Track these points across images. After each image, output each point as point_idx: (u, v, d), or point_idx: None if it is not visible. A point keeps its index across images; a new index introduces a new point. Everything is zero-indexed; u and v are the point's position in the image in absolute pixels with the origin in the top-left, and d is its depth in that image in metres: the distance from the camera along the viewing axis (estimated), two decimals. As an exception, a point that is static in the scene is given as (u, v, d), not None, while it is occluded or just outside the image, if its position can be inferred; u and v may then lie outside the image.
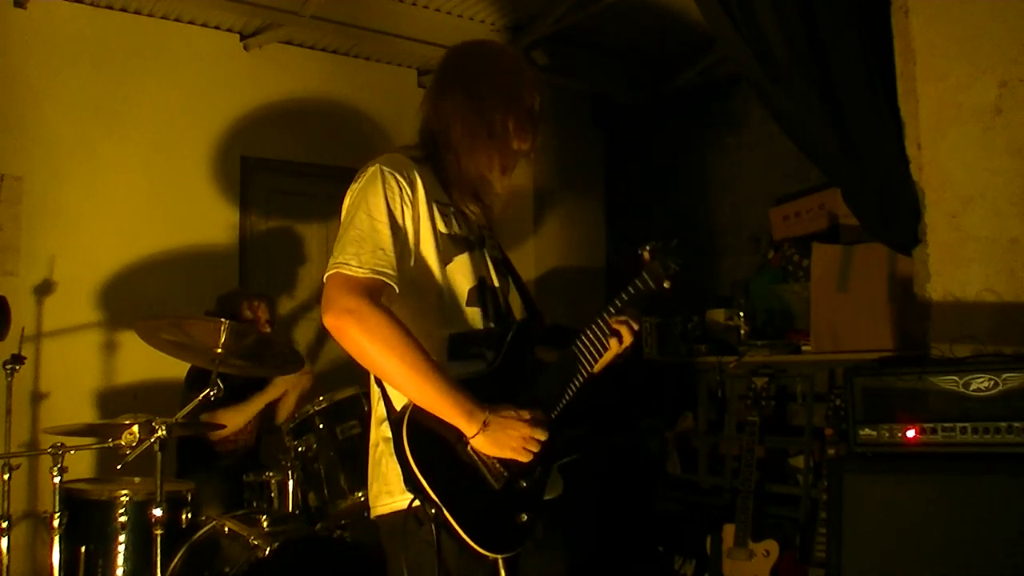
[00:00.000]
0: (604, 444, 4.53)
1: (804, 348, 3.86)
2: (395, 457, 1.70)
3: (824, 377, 3.87)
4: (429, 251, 1.78)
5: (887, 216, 2.90)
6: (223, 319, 2.78)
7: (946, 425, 2.24)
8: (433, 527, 1.64)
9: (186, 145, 4.43)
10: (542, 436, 1.73)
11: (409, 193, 1.75)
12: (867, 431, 2.35)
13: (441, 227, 1.80)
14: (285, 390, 3.51)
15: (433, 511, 1.63)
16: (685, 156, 5.27)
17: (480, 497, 1.70)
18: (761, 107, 3.17)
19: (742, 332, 4.21)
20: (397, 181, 1.75)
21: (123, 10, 4.31)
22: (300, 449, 2.93)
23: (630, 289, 1.93)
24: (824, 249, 3.74)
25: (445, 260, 1.80)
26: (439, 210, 1.81)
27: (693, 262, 5.39)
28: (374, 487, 1.80)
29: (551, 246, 5.36)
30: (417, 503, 1.66)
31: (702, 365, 4.33)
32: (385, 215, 1.71)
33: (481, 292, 1.85)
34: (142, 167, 4.29)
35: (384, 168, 1.76)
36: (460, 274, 1.83)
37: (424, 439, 1.67)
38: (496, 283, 1.92)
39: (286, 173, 4.75)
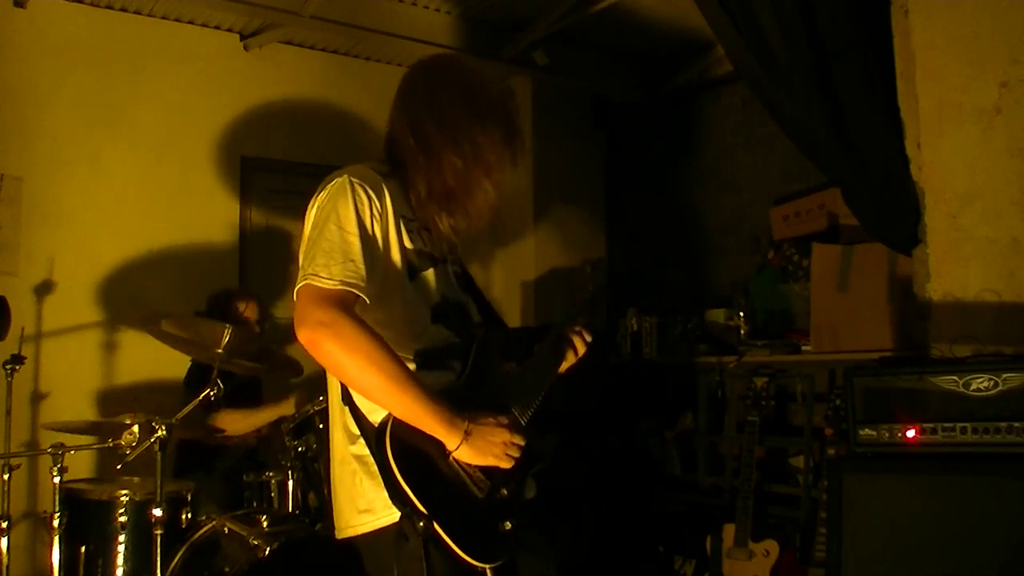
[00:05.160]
0: (604, 444, 4.53)
1: (804, 348, 3.86)
2: (372, 473, 1.68)
3: (824, 377, 3.87)
4: (396, 265, 1.77)
5: (887, 216, 2.90)
6: (227, 324, 2.78)
7: (946, 425, 2.24)
8: (421, 541, 1.61)
9: (186, 145, 4.43)
10: (521, 441, 1.73)
11: (378, 205, 1.73)
12: (867, 431, 2.36)
13: (407, 242, 1.78)
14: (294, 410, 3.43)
15: (421, 524, 1.61)
16: (685, 156, 5.27)
17: (466, 508, 1.70)
18: (761, 107, 3.17)
19: (742, 332, 4.21)
20: (366, 192, 1.72)
21: (123, 10, 4.30)
22: (300, 449, 2.93)
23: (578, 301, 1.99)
24: (824, 249, 3.74)
25: (411, 275, 1.79)
26: (405, 225, 1.78)
27: (693, 262, 5.42)
28: (346, 507, 1.76)
29: (551, 245, 5.35)
30: (403, 518, 1.63)
31: (702, 365, 4.33)
32: (355, 225, 1.68)
33: (445, 308, 1.85)
34: (142, 167, 4.29)
35: (353, 179, 1.73)
36: (425, 289, 1.81)
37: (408, 452, 1.65)
38: (459, 299, 1.92)
39: (286, 173, 4.75)
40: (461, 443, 1.67)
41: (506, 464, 1.72)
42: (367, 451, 1.71)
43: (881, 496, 2.26)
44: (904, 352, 3.24)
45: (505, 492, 1.75)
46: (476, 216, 1.85)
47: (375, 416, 1.70)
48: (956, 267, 2.73)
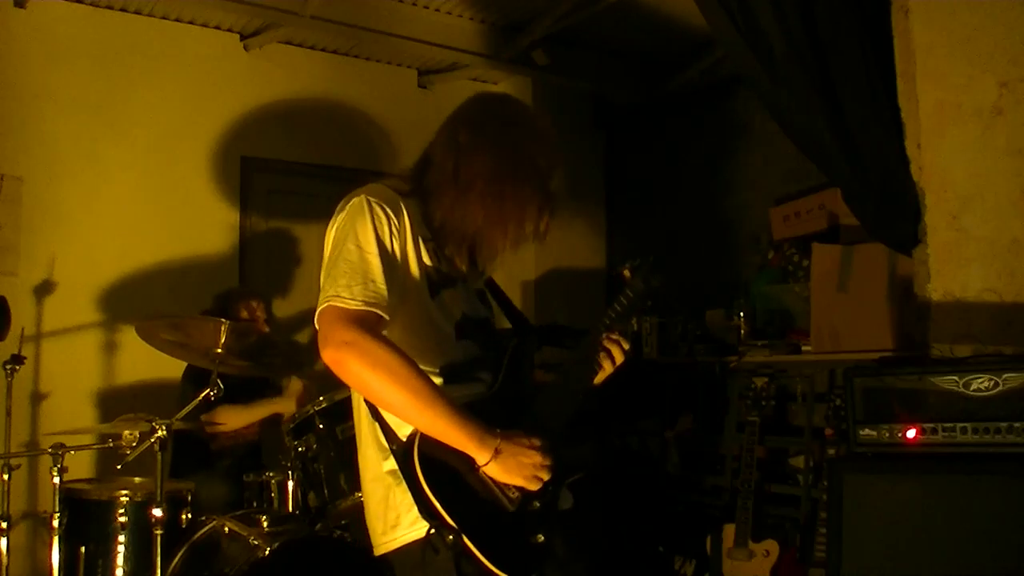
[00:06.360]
0: (604, 445, 4.53)
1: (804, 348, 3.85)
2: (403, 487, 1.68)
3: (824, 377, 3.87)
4: (416, 282, 1.76)
5: (887, 216, 2.90)
6: (224, 319, 2.78)
7: (946, 425, 2.24)
8: (451, 555, 1.61)
9: (186, 145, 4.43)
10: (550, 464, 1.71)
11: (396, 223, 1.72)
12: (867, 431, 2.35)
13: (426, 260, 1.78)
14: (294, 405, 3.46)
15: (451, 538, 1.60)
16: (685, 156, 5.26)
17: (496, 521, 1.69)
18: (761, 107, 3.17)
19: (742, 332, 4.21)
20: (384, 211, 1.71)
21: (123, 10, 4.31)
22: (300, 449, 2.93)
23: (616, 307, 1.92)
24: (824, 249, 3.73)
25: (432, 293, 1.78)
26: (423, 244, 1.77)
27: (693, 262, 5.43)
28: (379, 524, 1.77)
29: (551, 247, 5.34)
30: (433, 531, 1.63)
31: (702, 365, 4.33)
32: (374, 245, 1.68)
33: (468, 324, 1.84)
34: (142, 167, 4.30)
35: (370, 198, 1.72)
36: (446, 308, 1.81)
37: (436, 465, 1.64)
38: (482, 315, 1.91)
39: (286, 173, 4.75)
40: (491, 460, 1.66)
41: (533, 487, 1.70)
42: (397, 464, 1.71)
43: (881, 496, 2.26)
44: (904, 352, 3.23)
45: (537, 504, 1.74)
46: (487, 257, 1.83)
47: (403, 431, 1.70)
48: (956, 267, 2.73)
